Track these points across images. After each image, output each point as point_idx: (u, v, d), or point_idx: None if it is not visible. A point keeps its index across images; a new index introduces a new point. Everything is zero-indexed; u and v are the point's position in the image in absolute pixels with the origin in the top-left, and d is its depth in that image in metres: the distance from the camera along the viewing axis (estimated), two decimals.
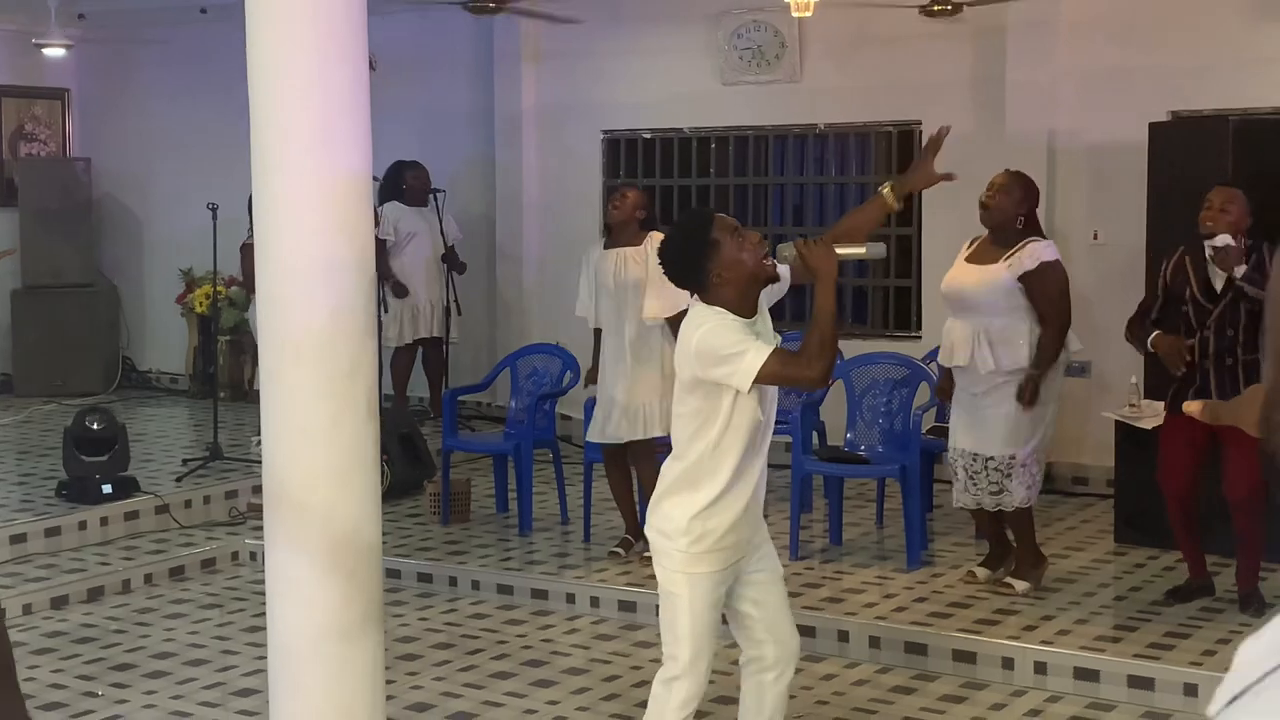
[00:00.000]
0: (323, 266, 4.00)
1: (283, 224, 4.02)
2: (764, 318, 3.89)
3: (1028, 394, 5.77)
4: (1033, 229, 5.94)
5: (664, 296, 6.23)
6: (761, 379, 3.71)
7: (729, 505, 3.85)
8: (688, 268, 3.86)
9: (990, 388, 5.85)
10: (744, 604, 4.00)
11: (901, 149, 8.76)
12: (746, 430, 3.81)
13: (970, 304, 5.90)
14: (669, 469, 3.94)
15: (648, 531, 4.01)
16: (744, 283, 3.78)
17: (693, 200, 9.37)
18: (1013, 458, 5.82)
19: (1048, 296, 5.80)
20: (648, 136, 9.47)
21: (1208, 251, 5.62)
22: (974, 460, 5.91)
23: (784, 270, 3.90)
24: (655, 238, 6.63)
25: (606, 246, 6.69)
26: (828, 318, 3.78)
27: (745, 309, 3.80)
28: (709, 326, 3.75)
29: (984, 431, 5.89)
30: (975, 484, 5.94)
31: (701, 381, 3.79)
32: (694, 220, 4.04)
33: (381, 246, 9.29)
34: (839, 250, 3.83)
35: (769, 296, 3.95)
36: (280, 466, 4.11)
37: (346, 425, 4.10)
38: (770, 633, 4.01)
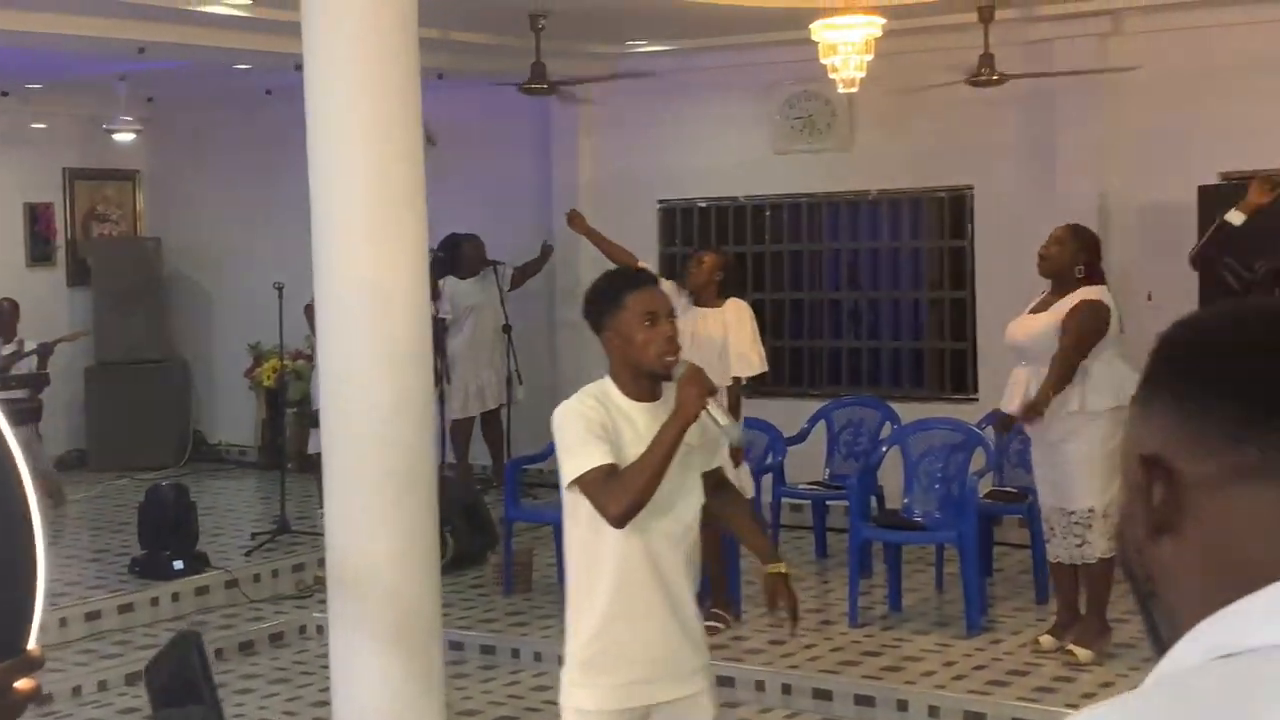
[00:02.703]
0: (384, 357, 4.15)
1: (344, 318, 4.17)
2: (665, 409, 3.39)
3: (1030, 410, 5.84)
4: (1093, 280, 6.03)
5: (748, 360, 6.59)
6: (579, 485, 3.33)
7: (619, 632, 3.38)
8: (592, 311, 3.53)
9: (1062, 437, 5.88)
10: None
11: (954, 213, 8.84)
12: (617, 534, 3.34)
13: (1024, 352, 6.05)
14: (569, 572, 3.54)
15: None
16: (630, 362, 3.42)
17: (748, 267, 9.48)
18: (1091, 510, 5.85)
19: (1067, 327, 5.86)
20: (703, 205, 9.61)
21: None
22: (1059, 515, 5.96)
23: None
24: (734, 303, 6.77)
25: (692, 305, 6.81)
26: (661, 455, 3.31)
27: (636, 391, 3.43)
28: (569, 405, 3.41)
29: (1061, 484, 5.92)
30: (1058, 540, 5.97)
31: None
32: (623, 276, 3.71)
33: (440, 324, 9.48)
34: (710, 407, 3.38)
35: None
36: (342, 547, 4.24)
37: (407, 507, 4.23)
38: None
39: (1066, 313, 5.90)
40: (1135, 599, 1.04)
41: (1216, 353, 1.01)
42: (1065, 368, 5.83)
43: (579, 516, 3.39)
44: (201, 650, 2.68)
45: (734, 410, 6.60)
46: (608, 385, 3.46)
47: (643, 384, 3.44)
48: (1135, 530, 1.02)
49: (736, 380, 6.72)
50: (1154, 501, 1.00)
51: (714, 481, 3.63)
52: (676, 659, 3.44)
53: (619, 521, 3.29)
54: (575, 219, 8.25)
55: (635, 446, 3.37)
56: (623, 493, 3.31)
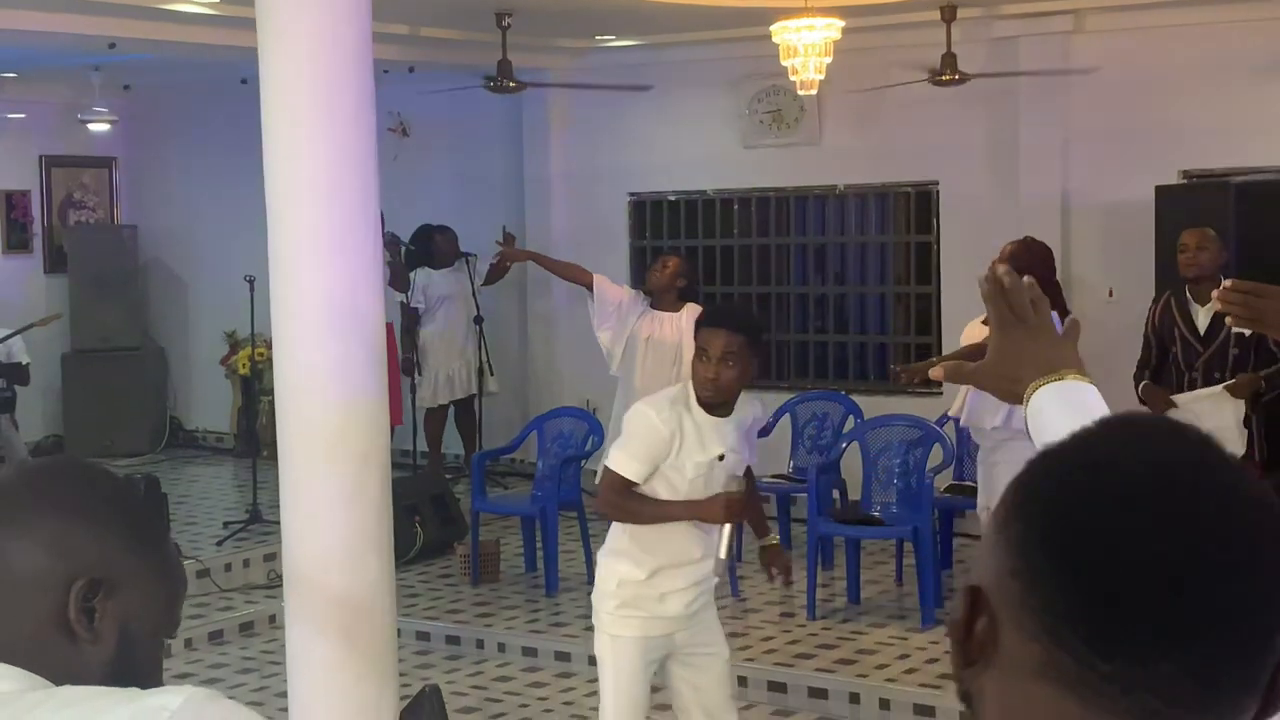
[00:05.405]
0: (336, 361, 4.23)
1: (297, 323, 4.25)
2: (731, 425, 4.02)
3: (904, 373, 6.23)
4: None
5: None
6: (606, 472, 4.01)
7: (667, 579, 4.00)
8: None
9: (996, 444, 6.02)
10: (682, 684, 4.11)
11: (919, 209, 8.94)
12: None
13: None
14: (615, 531, 4.12)
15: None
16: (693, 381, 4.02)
17: (717, 260, 9.59)
18: None
19: None
20: (672, 199, 9.70)
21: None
22: (987, 514, 6.11)
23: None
24: (692, 309, 6.88)
25: (651, 306, 7.02)
26: (664, 516, 3.97)
27: (706, 405, 3.99)
28: (649, 414, 3.98)
29: (991, 486, 6.08)
30: None
31: None
32: (707, 313, 4.33)
33: (413, 314, 9.57)
34: (725, 532, 3.91)
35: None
36: (296, 547, 4.33)
37: (359, 509, 4.31)
38: (708, 717, 4.11)
39: None
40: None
41: (1095, 536, 0.86)
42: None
43: (650, 483, 3.98)
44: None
45: None
46: (690, 391, 4.02)
47: (705, 401, 3.99)
48: (951, 651, 0.94)
49: None
50: (975, 631, 0.90)
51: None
52: (698, 602, 4.06)
53: (597, 513, 4.10)
54: (506, 253, 8.32)
55: (695, 450, 3.96)
56: (619, 511, 4.04)
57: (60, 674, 1.33)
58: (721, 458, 3.98)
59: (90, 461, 1.48)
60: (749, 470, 4.36)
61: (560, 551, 7.65)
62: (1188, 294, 6.09)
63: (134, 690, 1.29)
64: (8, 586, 1.35)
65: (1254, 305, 1.93)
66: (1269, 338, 5.72)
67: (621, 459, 3.97)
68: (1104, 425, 0.93)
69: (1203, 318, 5.95)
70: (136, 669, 1.38)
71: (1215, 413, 5.87)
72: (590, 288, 7.29)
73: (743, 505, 3.95)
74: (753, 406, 4.19)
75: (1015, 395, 1.60)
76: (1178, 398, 6.07)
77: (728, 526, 3.90)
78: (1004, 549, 0.89)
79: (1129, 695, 0.84)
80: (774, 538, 4.34)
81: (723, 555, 3.91)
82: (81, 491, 1.41)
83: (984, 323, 6.20)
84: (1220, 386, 5.96)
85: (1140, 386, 6.17)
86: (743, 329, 4.02)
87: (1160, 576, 0.84)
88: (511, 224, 10.00)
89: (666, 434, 3.93)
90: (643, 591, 3.99)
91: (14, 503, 1.40)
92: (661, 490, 3.99)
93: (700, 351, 3.96)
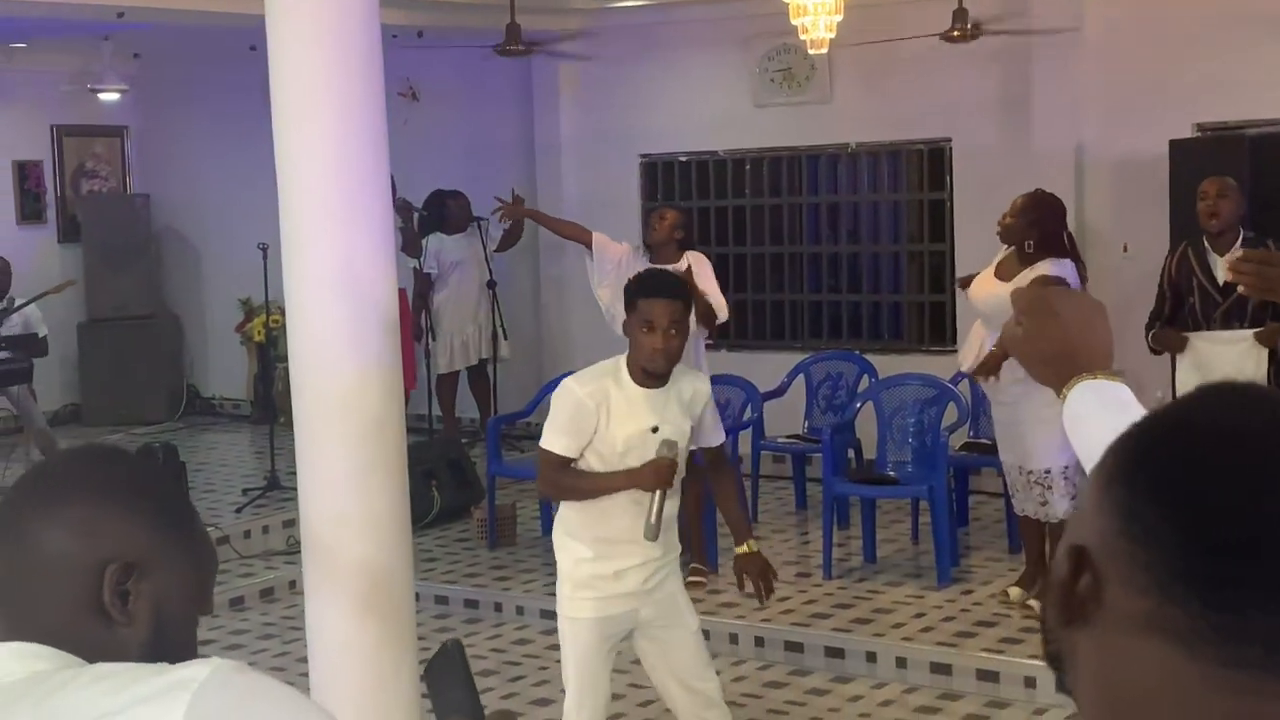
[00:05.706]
0: (349, 331, 4.23)
1: (310, 293, 4.26)
2: (666, 397, 3.98)
3: (981, 369, 6.04)
4: (1049, 250, 6.03)
5: (720, 304, 6.80)
6: (539, 452, 4.05)
7: (618, 556, 4.00)
8: (625, 304, 4.09)
9: (1016, 398, 5.98)
10: (654, 659, 4.14)
11: (932, 166, 8.90)
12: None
13: (983, 315, 6.11)
14: (562, 511, 4.13)
15: None
16: (633, 354, 3.99)
17: (729, 220, 9.56)
18: (1048, 471, 5.95)
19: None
20: (684, 159, 9.67)
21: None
22: (1019, 472, 6.07)
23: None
24: (692, 256, 6.89)
25: (650, 261, 7.00)
26: (596, 489, 3.98)
27: (640, 378, 3.97)
28: (572, 389, 3.98)
29: (1020, 444, 6.04)
30: (1021, 495, 6.09)
31: None
32: (643, 281, 4.15)
33: (426, 279, 9.57)
34: (655, 497, 3.93)
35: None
36: (313, 514, 4.35)
37: (377, 477, 4.32)
38: (683, 686, 4.13)
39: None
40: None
41: (1202, 492, 0.88)
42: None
43: (582, 458, 4.00)
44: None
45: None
46: (622, 364, 4.00)
47: (642, 374, 3.97)
48: (1050, 611, 0.95)
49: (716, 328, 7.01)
50: (1078, 588, 0.92)
51: (710, 457, 4.28)
52: (655, 578, 4.05)
53: (540, 495, 4.07)
54: (508, 210, 8.32)
55: (625, 422, 3.95)
56: (557, 489, 4.09)
57: (97, 656, 1.36)
58: (655, 430, 3.96)
59: (117, 445, 1.52)
60: (724, 458, 4.33)
61: None
62: (1206, 244, 6.04)
63: (163, 664, 1.32)
64: (42, 572, 1.38)
65: (1266, 275, 1.92)
66: None
67: (551, 436, 4.00)
68: (1200, 391, 0.96)
69: (1222, 269, 5.90)
70: (172, 648, 1.40)
71: (1237, 358, 5.85)
72: (590, 245, 7.31)
73: (673, 470, 3.94)
74: (695, 380, 4.14)
75: (1048, 375, 1.67)
76: (1193, 336, 6.04)
77: (657, 492, 3.91)
78: (1109, 511, 0.92)
79: (1239, 646, 0.86)
80: (751, 544, 4.21)
81: (653, 520, 3.93)
82: (110, 476, 1.43)
83: (996, 275, 6.19)
84: (1249, 332, 5.93)
85: (1150, 335, 6.13)
86: (681, 295, 4.04)
87: (1268, 528, 0.86)
88: (523, 188, 9.97)
89: (592, 406, 3.93)
90: (598, 570, 4.00)
91: (45, 489, 1.42)
92: (594, 463, 4.00)
93: (644, 324, 3.92)
